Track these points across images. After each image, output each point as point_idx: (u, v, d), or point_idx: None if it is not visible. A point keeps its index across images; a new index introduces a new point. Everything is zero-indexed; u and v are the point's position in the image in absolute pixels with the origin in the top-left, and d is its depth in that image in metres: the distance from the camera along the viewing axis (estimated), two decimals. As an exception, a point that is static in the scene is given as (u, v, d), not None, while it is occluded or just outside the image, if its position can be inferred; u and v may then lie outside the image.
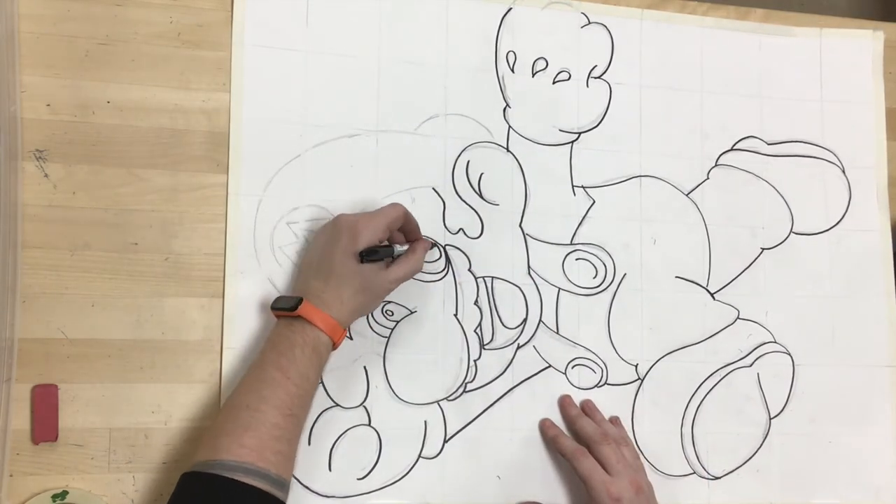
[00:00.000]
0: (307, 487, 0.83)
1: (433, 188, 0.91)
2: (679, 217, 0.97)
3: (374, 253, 0.79)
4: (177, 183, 0.85)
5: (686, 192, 0.97)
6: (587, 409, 0.91)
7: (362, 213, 0.82)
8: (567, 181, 0.95)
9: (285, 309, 0.78)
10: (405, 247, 0.84)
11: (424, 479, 0.86)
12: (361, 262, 0.78)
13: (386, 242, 0.83)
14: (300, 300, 0.77)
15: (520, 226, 0.93)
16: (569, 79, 0.96)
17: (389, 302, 0.88)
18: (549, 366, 0.91)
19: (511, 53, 0.95)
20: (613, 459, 0.83)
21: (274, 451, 0.72)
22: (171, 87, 0.86)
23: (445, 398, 0.88)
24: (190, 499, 0.70)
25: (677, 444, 0.93)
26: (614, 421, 0.91)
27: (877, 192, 1.02)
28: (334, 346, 0.79)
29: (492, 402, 0.89)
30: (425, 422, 0.88)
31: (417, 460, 0.87)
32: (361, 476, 0.85)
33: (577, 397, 0.91)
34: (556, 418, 0.90)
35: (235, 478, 0.69)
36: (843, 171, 1.01)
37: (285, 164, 0.88)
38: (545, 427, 0.89)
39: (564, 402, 0.90)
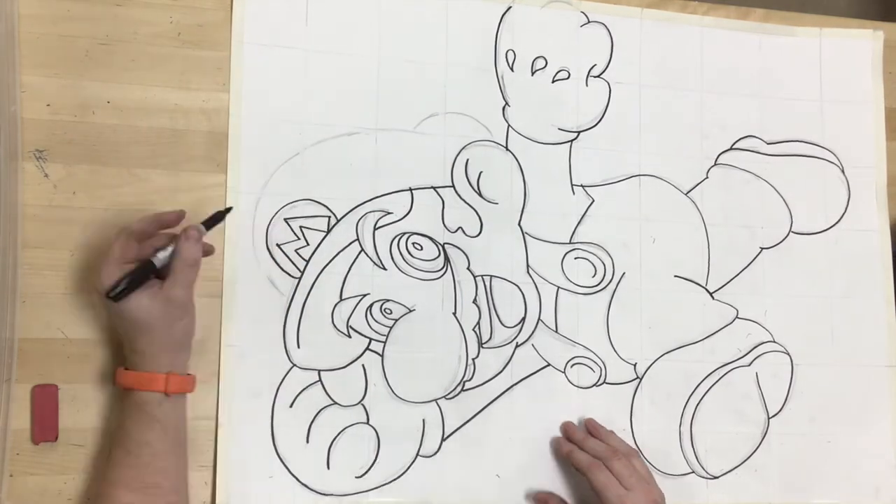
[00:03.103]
0: (305, 486, 0.84)
1: (432, 187, 0.91)
2: (678, 216, 0.97)
3: (119, 287, 0.72)
4: (177, 183, 0.85)
5: (685, 192, 0.97)
6: (591, 427, 0.90)
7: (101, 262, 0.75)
8: (566, 180, 0.95)
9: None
10: (169, 249, 0.76)
11: (423, 478, 0.87)
12: (116, 301, 0.72)
13: (136, 263, 0.75)
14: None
15: (519, 224, 0.93)
16: (568, 78, 0.96)
17: (387, 301, 0.88)
18: (548, 364, 0.92)
19: (510, 52, 0.95)
20: (626, 473, 0.83)
21: None
22: (171, 87, 0.86)
23: (444, 396, 0.88)
24: None
25: (676, 443, 0.93)
26: None
27: (876, 192, 1.01)
28: (171, 392, 0.74)
29: (490, 400, 0.90)
30: (424, 420, 0.88)
31: (416, 459, 0.87)
32: (360, 474, 0.86)
33: (576, 396, 0.91)
34: (554, 417, 0.91)
35: None
36: (843, 171, 1.01)
37: (284, 161, 0.88)
38: (559, 444, 0.89)
39: (568, 428, 0.90)
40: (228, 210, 0.81)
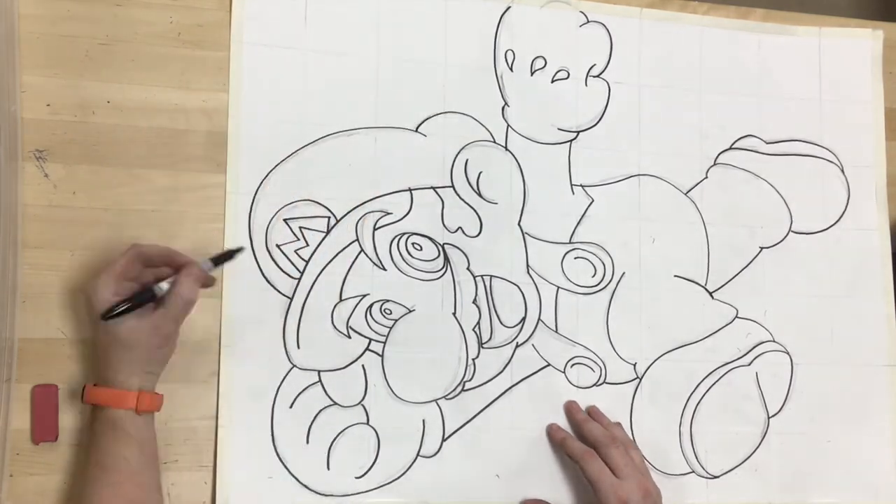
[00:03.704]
0: (305, 486, 0.84)
1: (432, 187, 0.91)
2: (678, 216, 0.97)
3: (117, 310, 0.72)
4: (177, 183, 0.85)
5: (685, 191, 0.97)
6: (593, 413, 0.91)
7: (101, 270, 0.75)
8: (566, 180, 0.95)
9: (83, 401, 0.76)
10: (170, 281, 0.76)
11: (423, 478, 0.87)
12: (106, 321, 0.73)
13: (137, 288, 0.76)
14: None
15: (518, 224, 0.93)
16: (567, 77, 0.96)
17: (387, 301, 0.88)
18: (548, 364, 0.92)
19: (510, 52, 0.95)
20: (621, 462, 0.83)
21: None
22: (171, 87, 0.86)
23: (444, 397, 0.88)
24: None
25: (676, 443, 0.93)
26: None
27: (875, 191, 1.01)
28: (140, 411, 0.74)
29: (490, 400, 0.90)
30: (423, 420, 0.88)
31: (416, 459, 0.87)
32: (360, 475, 0.85)
33: (576, 396, 0.91)
34: (554, 417, 0.91)
35: None
36: (842, 171, 1.01)
37: (284, 162, 0.88)
38: (553, 431, 0.90)
39: (571, 408, 0.90)
40: (240, 250, 0.80)
